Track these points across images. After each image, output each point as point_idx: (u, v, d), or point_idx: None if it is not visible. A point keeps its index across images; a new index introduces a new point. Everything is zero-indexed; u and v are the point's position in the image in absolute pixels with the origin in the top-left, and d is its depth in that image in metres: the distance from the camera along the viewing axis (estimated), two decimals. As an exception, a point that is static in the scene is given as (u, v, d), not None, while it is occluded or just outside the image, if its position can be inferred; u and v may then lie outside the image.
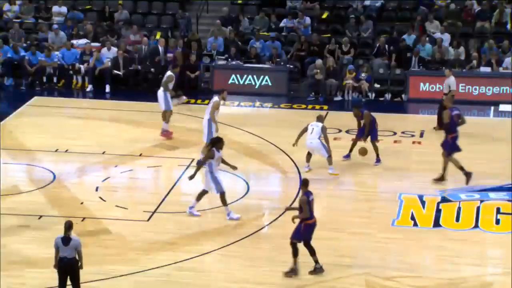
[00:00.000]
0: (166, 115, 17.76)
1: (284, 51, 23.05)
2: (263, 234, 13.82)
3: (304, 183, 12.22)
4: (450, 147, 15.56)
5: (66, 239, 10.84)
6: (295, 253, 12.05)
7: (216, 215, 14.23)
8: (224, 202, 13.98)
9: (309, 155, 16.23)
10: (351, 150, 16.92)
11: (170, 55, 22.27)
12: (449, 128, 15.63)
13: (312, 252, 12.10)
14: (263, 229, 13.94)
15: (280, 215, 14.38)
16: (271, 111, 20.87)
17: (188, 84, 21.95)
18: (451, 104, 16.21)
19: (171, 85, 17.87)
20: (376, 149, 16.66)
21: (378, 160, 16.68)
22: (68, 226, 10.90)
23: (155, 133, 17.99)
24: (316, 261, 12.10)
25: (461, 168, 15.53)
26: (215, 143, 13.83)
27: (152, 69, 22.04)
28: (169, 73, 18.16)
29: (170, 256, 12.58)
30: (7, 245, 12.94)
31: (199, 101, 21.14)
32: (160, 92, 17.88)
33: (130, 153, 17.03)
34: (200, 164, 14.30)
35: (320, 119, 16.33)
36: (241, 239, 13.42)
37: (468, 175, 15.53)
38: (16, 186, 15.26)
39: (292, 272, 12.05)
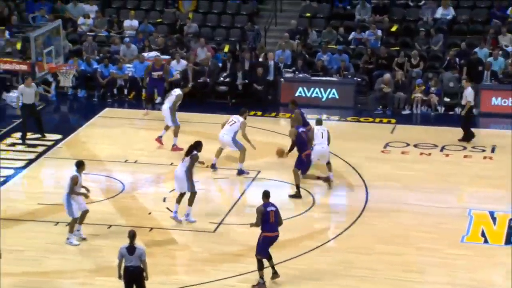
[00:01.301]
0: (175, 131, 17.87)
1: (352, 64, 22.95)
2: (329, 247, 13.74)
3: (264, 194, 12.33)
4: (305, 165, 15.63)
5: (131, 248, 11.01)
6: (259, 266, 12.09)
7: (281, 227, 14.21)
8: (191, 202, 14.15)
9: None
10: None
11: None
12: (300, 146, 15.66)
13: (260, 267, 12.06)
14: (328, 243, 13.86)
15: (346, 229, 14.28)
16: (338, 124, 20.78)
17: (255, 96, 22.06)
18: (297, 123, 16.39)
19: (178, 104, 18.04)
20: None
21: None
22: (132, 235, 11.06)
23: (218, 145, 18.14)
24: (261, 276, 12.09)
25: (298, 187, 15.47)
26: (197, 146, 14.34)
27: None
28: (179, 92, 18.26)
29: (235, 268, 12.64)
30: (77, 252, 13.25)
31: (266, 114, 21.20)
32: (166, 108, 18.04)
33: (197, 164, 17.18)
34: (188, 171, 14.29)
35: (319, 122, 16.40)
36: (306, 252, 13.38)
37: (327, 180, 15.77)
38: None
39: (258, 286, 12.00)
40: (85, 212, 13.68)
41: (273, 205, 12.25)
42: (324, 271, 12.82)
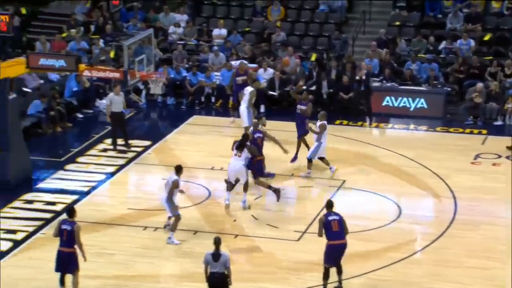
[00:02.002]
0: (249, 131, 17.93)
1: (441, 73, 22.55)
2: (415, 259, 13.55)
3: (327, 204, 12.36)
4: (257, 170, 15.68)
5: (216, 255, 11.15)
6: (324, 275, 12.17)
7: (366, 237, 14.12)
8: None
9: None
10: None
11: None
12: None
13: (338, 271, 12.20)
14: (415, 255, 13.66)
15: (434, 241, 14.04)
16: (426, 134, 20.45)
17: (341, 105, 21.98)
18: (256, 127, 16.38)
19: (253, 100, 18.02)
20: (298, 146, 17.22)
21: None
22: (218, 242, 11.20)
23: (307, 153, 18.17)
24: (324, 286, 12.19)
25: (270, 187, 15.64)
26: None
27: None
28: (251, 88, 18.33)
29: (319, 277, 12.62)
30: (164, 257, 13.54)
31: (351, 122, 21.10)
32: (243, 108, 18.10)
33: (282, 172, 17.29)
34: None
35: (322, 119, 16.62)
36: (392, 263, 13.24)
37: (276, 191, 15.65)
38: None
39: None
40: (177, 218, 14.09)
41: (336, 214, 12.24)
42: (409, 283, 12.64)
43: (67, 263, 11.96)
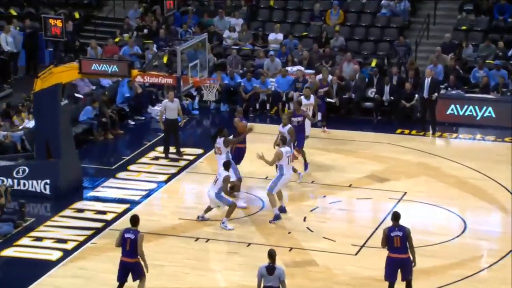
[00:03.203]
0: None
1: (511, 81, 22.15)
2: (481, 277, 13.33)
3: (393, 216, 12.18)
4: (234, 158, 16.28)
5: (270, 268, 11.15)
6: None
7: (428, 253, 13.95)
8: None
9: None
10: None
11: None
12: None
13: None
14: (480, 272, 13.44)
15: (501, 259, 13.79)
16: (494, 144, 20.11)
17: (403, 113, 21.78)
18: (240, 114, 17.16)
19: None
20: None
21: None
22: (272, 255, 11.19)
23: (365, 163, 18.06)
24: None
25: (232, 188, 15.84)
26: (220, 132, 15.98)
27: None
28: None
29: (378, 293, 12.54)
30: (216, 269, 13.62)
31: (413, 131, 20.88)
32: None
33: (339, 183, 17.23)
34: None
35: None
36: (456, 281, 13.06)
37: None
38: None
39: None
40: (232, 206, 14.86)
41: (401, 229, 12.06)
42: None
43: (131, 272, 12.11)
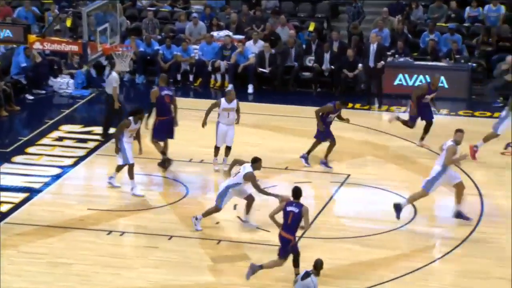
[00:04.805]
0: None
1: (465, 46, 22.59)
2: (433, 269, 13.60)
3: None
4: (156, 132, 16.86)
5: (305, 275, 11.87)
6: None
7: (373, 243, 14.15)
8: (131, 175, 15.78)
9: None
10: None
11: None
12: (159, 110, 16.90)
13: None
14: (433, 263, 13.71)
15: (456, 247, 14.10)
16: (447, 119, 20.50)
17: (345, 84, 21.99)
18: (164, 83, 17.37)
19: None
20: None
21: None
22: (320, 266, 11.87)
23: (304, 142, 18.15)
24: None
25: (163, 153, 16.86)
26: (135, 113, 15.87)
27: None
28: None
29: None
30: (131, 267, 13.54)
31: (357, 105, 21.10)
32: None
33: (274, 165, 17.30)
34: (115, 135, 16.06)
35: None
36: (405, 274, 13.28)
37: (168, 161, 16.87)
38: (145, 200, 15.89)
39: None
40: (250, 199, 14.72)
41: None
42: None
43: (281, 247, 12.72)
